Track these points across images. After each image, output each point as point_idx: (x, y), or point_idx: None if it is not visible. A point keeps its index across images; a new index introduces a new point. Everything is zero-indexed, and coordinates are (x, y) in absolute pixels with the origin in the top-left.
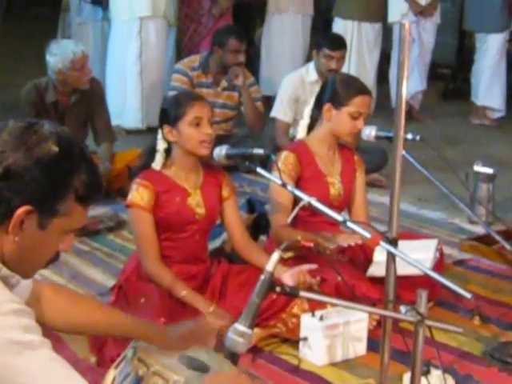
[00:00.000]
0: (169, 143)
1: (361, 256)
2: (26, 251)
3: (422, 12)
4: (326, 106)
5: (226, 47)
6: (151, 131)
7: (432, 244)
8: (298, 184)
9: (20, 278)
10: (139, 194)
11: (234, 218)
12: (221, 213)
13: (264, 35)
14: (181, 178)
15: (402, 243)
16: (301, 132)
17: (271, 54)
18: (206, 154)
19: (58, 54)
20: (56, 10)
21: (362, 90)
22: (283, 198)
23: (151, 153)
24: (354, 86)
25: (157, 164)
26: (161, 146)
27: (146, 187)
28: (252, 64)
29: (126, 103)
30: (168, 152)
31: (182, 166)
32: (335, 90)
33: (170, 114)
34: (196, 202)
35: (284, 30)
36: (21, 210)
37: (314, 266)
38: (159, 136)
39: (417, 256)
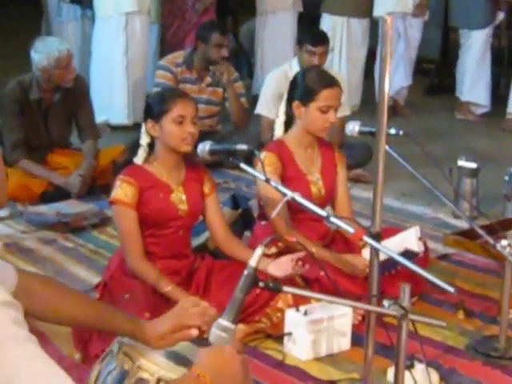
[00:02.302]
0: (152, 138)
1: (345, 251)
2: None
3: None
4: (295, 104)
5: (210, 42)
6: (138, 127)
7: (412, 235)
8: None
9: (0, 244)
10: (123, 190)
11: (216, 213)
12: (202, 209)
13: (258, 36)
14: (163, 174)
15: (385, 242)
16: (278, 130)
17: (266, 54)
18: (187, 150)
19: (43, 52)
20: (38, 8)
21: (328, 82)
22: (273, 193)
23: (135, 148)
24: (320, 80)
25: (139, 159)
26: (144, 140)
27: (129, 183)
28: (236, 60)
29: (113, 99)
30: (151, 147)
31: (165, 162)
32: (301, 87)
33: (154, 109)
34: (179, 198)
35: (278, 29)
36: None
37: (302, 254)
38: (143, 130)
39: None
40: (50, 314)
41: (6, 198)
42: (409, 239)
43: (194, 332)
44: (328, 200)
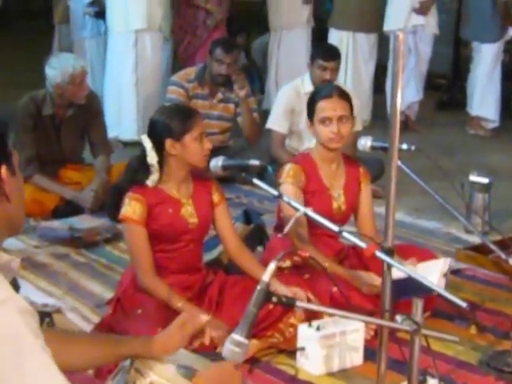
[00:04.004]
0: (161, 156)
1: (359, 267)
2: (16, 203)
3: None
4: (307, 123)
5: (213, 56)
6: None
7: (438, 268)
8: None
9: (18, 261)
10: (131, 207)
11: (226, 223)
12: (213, 220)
13: (272, 52)
14: (172, 189)
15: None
16: None
17: (281, 70)
18: (204, 165)
19: (58, 68)
20: (50, 23)
21: (322, 94)
22: (291, 208)
23: (140, 167)
24: (316, 93)
25: (152, 181)
26: (153, 159)
27: (137, 200)
28: (248, 75)
29: (122, 115)
30: (160, 164)
31: (175, 177)
32: (307, 105)
33: (173, 128)
34: (189, 212)
35: (293, 45)
36: (3, 172)
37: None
38: (149, 147)
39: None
40: (61, 365)
41: (24, 219)
42: (433, 270)
43: (206, 340)
44: (348, 216)
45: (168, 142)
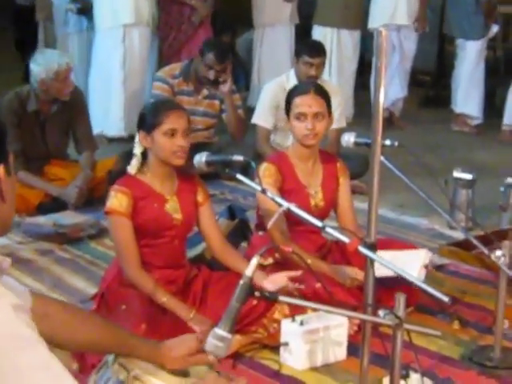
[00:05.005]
0: (145, 147)
1: (342, 262)
2: (9, 203)
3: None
4: (286, 120)
5: (204, 58)
6: (134, 139)
7: (419, 259)
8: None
9: (9, 261)
10: (118, 200)
11: (210, 222)
12: (197, 219)
13: (255, 49)
14: (157, 184)
15: (390, 253)
16: None
17: (264, 67)
18: (179, 164)
19: (43, 64)
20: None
21: (299, 91)
22: (272, 204)
23: (128, 157)
24: (293, 90)
25: (132, 168)
26: (137, 149)
27: (123, 193)
28: (233, 72)
29: (109, 111)
30: (144, 156)
31: (158, 173)
32: (285, 101)
33: (146, 121)
34: (173, 207)
35: (276, 42)
36: (1, 171)
37: (295, 273)
38: (136, 139)
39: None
40: (65, 338)
41: (13, 219)
42: (414, 261)
43: (211, 357)
44: (327, 212)
45: (140, 134)
